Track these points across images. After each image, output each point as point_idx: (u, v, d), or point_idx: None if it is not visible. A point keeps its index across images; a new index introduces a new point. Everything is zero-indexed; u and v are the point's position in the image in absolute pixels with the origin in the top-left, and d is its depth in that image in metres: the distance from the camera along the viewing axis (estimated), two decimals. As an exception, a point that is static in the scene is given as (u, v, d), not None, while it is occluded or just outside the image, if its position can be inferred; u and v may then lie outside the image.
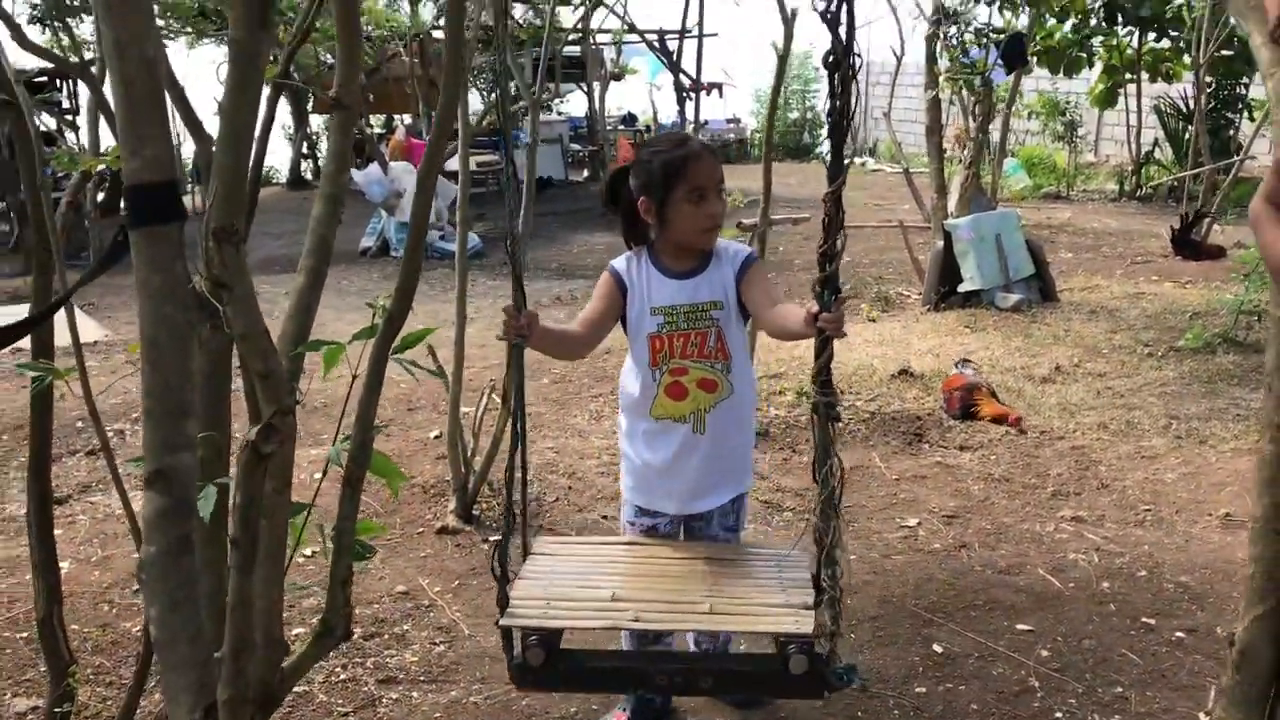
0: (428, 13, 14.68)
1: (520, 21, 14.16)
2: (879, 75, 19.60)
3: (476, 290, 9.29)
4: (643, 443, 2.84)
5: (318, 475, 2.64)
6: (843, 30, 2.04)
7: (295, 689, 3.25)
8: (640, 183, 2.72)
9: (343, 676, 3.36)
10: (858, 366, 6.72)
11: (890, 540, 4.24)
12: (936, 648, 3.40)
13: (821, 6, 2.09)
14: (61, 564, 3.95)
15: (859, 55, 2.10)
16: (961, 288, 8.39)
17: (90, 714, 3.13)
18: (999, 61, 8.66)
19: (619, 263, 2.82)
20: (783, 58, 5.50)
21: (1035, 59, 13.19)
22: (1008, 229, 8.52)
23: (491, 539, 4.36)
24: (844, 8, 2.04)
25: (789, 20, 5.24)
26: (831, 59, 2.08)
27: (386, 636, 3.60)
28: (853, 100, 2.10)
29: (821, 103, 25.72)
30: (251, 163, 3.00)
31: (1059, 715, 3.04)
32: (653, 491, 2.87)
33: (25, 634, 3.59)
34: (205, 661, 1.38)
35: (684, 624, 2.51)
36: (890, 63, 10.20)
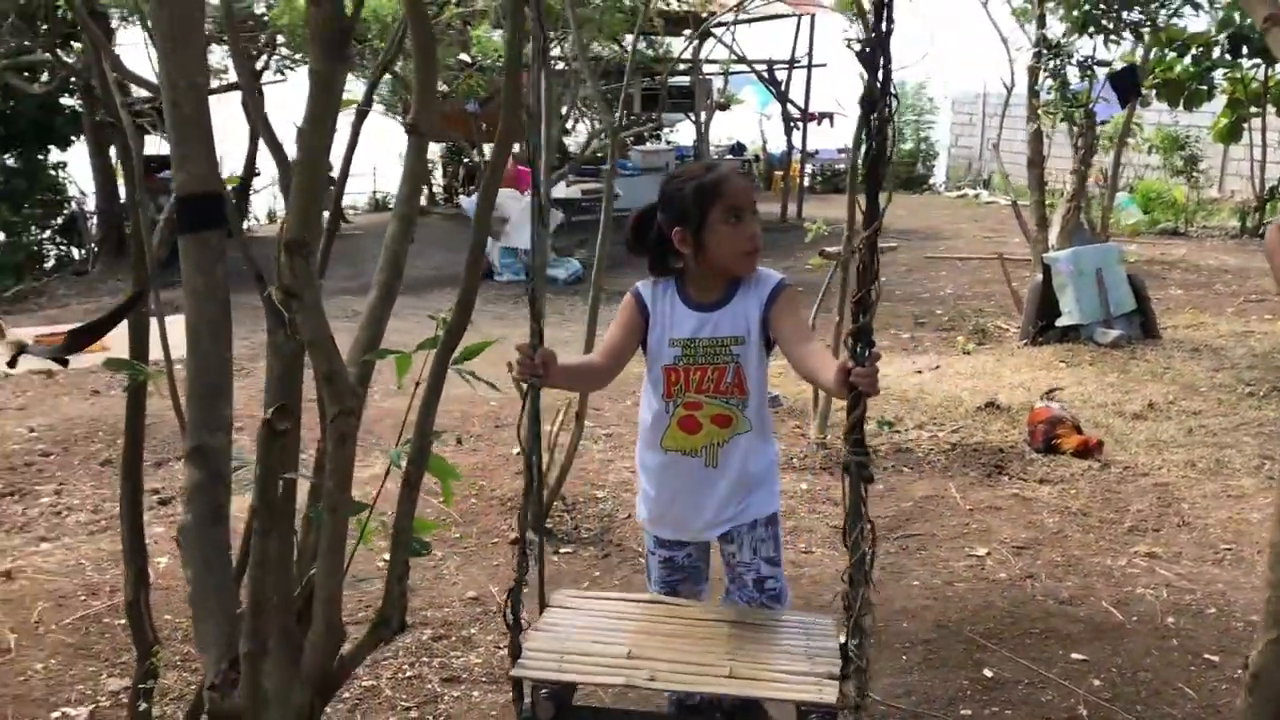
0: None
1: (627, 50, 14.40)
2: (996, 106, 19.39)
3: (576, 314, 9.49)
4: (655, 472, 2.80)
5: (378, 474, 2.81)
6: (880, 72, 2.00)
7: (363, 683, 3.44)
8: (673, 213, 2.66)
9: (409, 674, 3.53)
10: (945, 398, 6.71)
11: (955, 568, 4.26)
12: (987, 672, 3.42)
13: (858, 48, 2.16)
14: (160, 559, 4.25)
15: (895, 95, 2.05)
16: (1060, 322, 8.29)
17: (173, 695, 3.34)
18: (1103, 95, 8.54)
19: (643, 286, 2.76)
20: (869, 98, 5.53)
21: (1154, 91, 12.93)
22: (1109, 263, 8.40)
23: (562, 550, 4.51)
24: (880, 50, 2.08)
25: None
26: (867, 99, 2.08)
27: (454, 639, 3.76)
28: (890, 140, 2.04)
29: (936, 134, 25.62)
30: (337, 183, 3.23)
31: (1104, 744, 3.05)
32: (665, 523, 2.83)
33: (123, 621, 3.84)
34: (233, 618, 1.54)
35: (703, 686, 2.39)
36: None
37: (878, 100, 2.04)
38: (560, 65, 10.02)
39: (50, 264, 15.65)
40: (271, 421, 1.46)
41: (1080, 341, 8.16)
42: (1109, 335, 8.10)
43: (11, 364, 2.86)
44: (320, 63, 2.40)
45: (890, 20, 1.97)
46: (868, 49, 2.07)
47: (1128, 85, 9.22)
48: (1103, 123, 10.58)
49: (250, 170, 3.41)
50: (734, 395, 2.67)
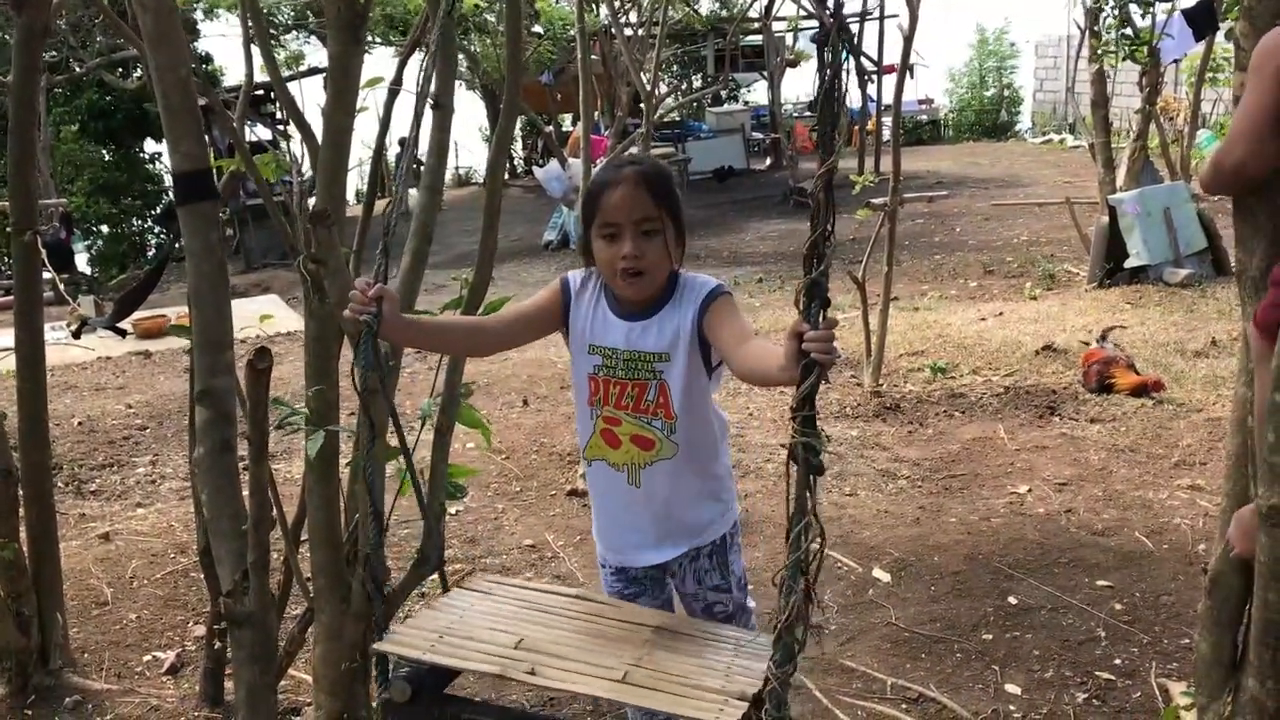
0: (604, 11, 15.19)
1: (698, 11, 14.47)
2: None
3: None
4: (590, 482, 2.59)
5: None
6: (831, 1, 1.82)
7: (424, 623, 3.70)
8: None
9: (466, 615, 3.78)
10: (1003, 342, 6.76)
11: (994, 505, 4.37)
12: (1011, 600, 3.55)
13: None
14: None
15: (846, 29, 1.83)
16: (1128, 263, 8.23)
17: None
18: (1167, 33, 8.40)
19: (575, 276, 2.45)
20: (908, 38, 5.62)
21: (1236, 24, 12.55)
22: (1177, 202, 8.30)
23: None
24: None
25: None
26: (821, 35, 2.00)
27: (509, 583, 4.01)
28: (844, 78, 1.78)
29: (1019, 79, 25.14)
30: (373, 160, 3.46)
31: (1118, 662, 3.16)
32: (612, 539, 2.54)
33: (208, 574, 4.18)
34: (241, 535, 1.77)
35: (584, 687, 2.06)
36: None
37: (831, 36, 1.80)
38: (631, 31, 10.18)
39: (151, 252, 16.33)
40: (253, 362, 1.68)
41: (1149, 282, 8.10)
42: (1178, 274, 8.02)
43: (76, 335, 3.16)
44: (337, 46, 2.64)
45: None
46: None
47: (1203, 19, 9.03)
48: (1175, 61, 10.38)
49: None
50: (657, 416, 2.33)
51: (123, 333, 2.98)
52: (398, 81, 3.28)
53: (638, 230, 2.25)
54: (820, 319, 1.72)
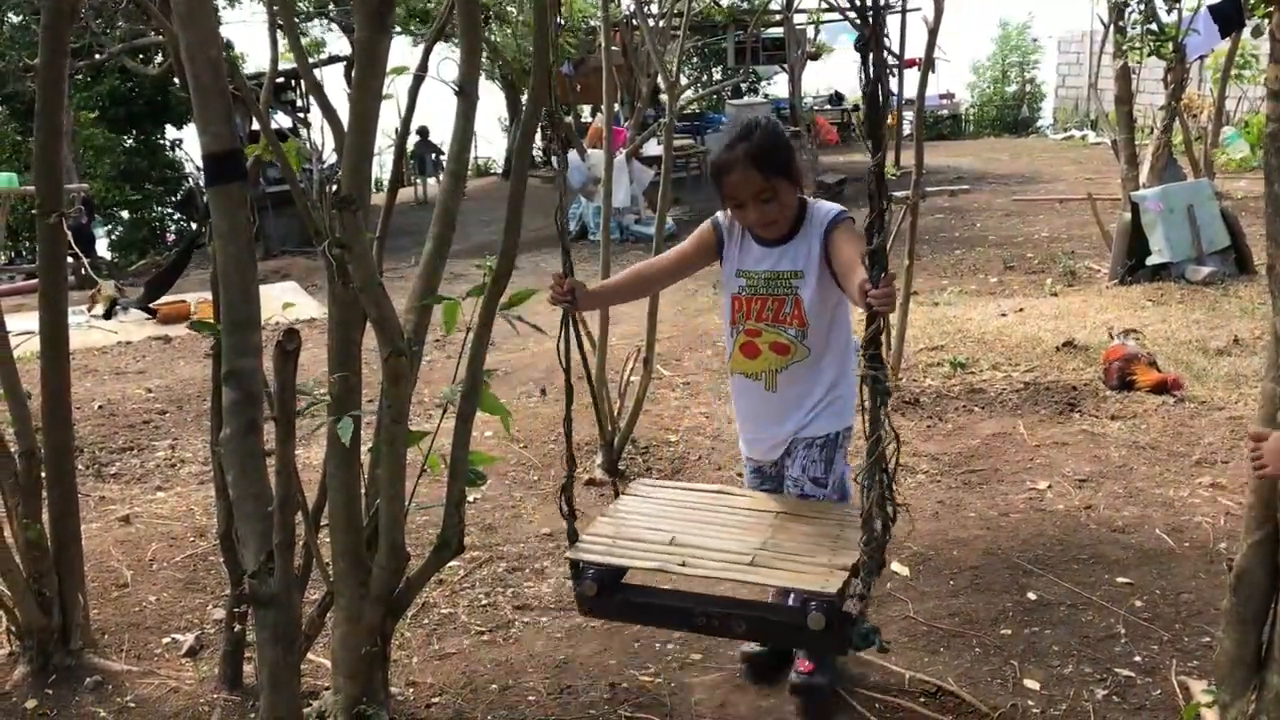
0: (626, 2, 15.17)
1: (719, 3, 14.43)
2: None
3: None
4: (732, 393, 3.09)
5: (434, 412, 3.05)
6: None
7: (441, 611, 3.72)
8: None
9: (484, 603, 3.79)
10: (1024, 338, 6.73)
11: (1014, 500, 4.35)
12: (1030, 595, 3.54)
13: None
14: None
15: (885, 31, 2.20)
16: (1150, 260, 8.18)
17: (269, 621, 3.66)
18: (1194, 29, 8.32)
19: (723, 217, 2.96)
20: (933, 31, 5.59)
21: (1266, 20, 12.45)
22: (1200, 199, 8.24)
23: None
24: None
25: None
26: (861, 40, 2.23)
27: (527, 571, 4.02)
28: (885, 75, 2.21)
29: (1042, 75, 25.00)
30: (397, 146, 3.45)
31: (1138, 659, 3.15)
32: (745, 440, 3.09)
33: (228, 558, 4.19)
34: (267, 517, 1.78)
35: (725, 573, 2.58)
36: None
37: (869, 37, 2.18)
38: (654, 22, 10.14)
39: (171, 238, 16.40)
40: (282, 343, 1.68)
41: (1171, 280, 8.05)
42: (1200, 272, 7.97)
43: (107, 315, 3.17)
44: (364, 32, 2.63)
45: None
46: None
47: (1230, 15, 8.94)
48: (1200, 57, 10.29)
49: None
50: (792, 325, 2.85)
51: (153, 312, 3.00)
52: (423, 69, 3.28)
53: (758, 200, 2.76)
54: (881, 278, 2.21)
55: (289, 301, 5.80)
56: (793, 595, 2.65)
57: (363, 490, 2.87)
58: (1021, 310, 7.61)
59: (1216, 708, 2.34)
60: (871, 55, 2.18)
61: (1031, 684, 3.05)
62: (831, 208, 2.86)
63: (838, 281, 2.78)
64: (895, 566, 3.80)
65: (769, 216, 2.80)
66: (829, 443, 2.93)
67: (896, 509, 2.38)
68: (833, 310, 2.88)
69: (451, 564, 4.01)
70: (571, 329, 2.83)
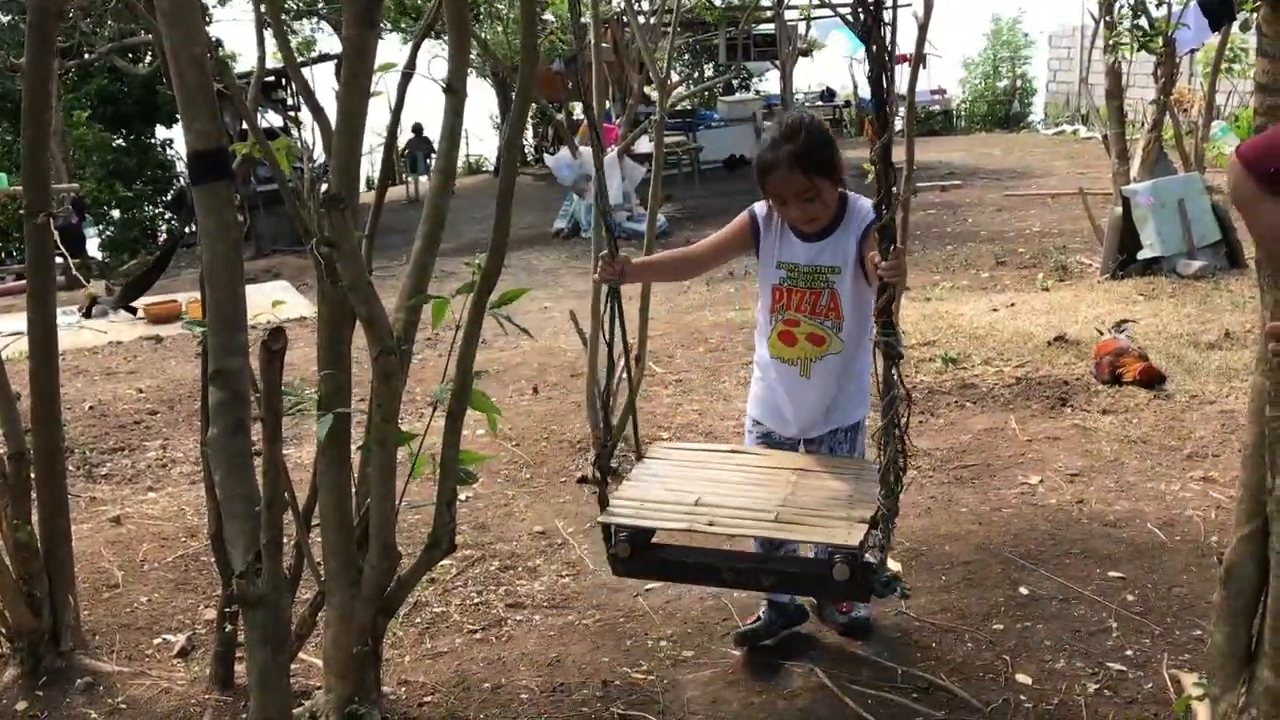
0: None
1: (713, 2, 14.41)
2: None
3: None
4: (764, 368, 3.16)
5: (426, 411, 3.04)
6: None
7: (433, 609, 3.71)
8: None
9: (476, 601, 3.79)
10: (1015, 333, 6.73)
11: (1005, 495, 4.36)
12: (1023, 590, 3.54)
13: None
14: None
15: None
16: (1141, 255, 8.19)
17: (261, 621, 3.65)
18: (1184, 23, 8.33)
19: (760, 208, 3.06)
20: (923, 27, 5.59)
21: (1254, 13, 12.45)
22: (1192, 193, 8.25)
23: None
24: None
25: None
26: (863, 29, 2.31)
27: (519, 569, 4.01)
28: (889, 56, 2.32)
29: (1033, 70, 25.02)
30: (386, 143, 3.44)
31: (1129, 653, 3.15)
32: (769, 413, 3.17)
33: (219, 558, 4.18)
34: (255, 517, 1.77)
35: (751, 530, 2.76)
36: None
37: (872, 26, 2.26)
38: (643, 19, 10.13)
39: (162, 238, 16.35)
40: (268, 343, 1.68)
41: (1162, 274, 8.06)
42: (1192, 266, 7.98)
43: (87, 314, 3.16)
44: (352, 29, 2.62)
45: None
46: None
47: (1219, 9, 8.95)
48: (1191, 51, 10.31)
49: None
50: (829, 317, 2.97)
51: (134, 311, 2.98)
52: (411, 66, 3.26)
53: (800, 199, 2.86)
54: (890, 252, 2.32)
55: (278, 300, 5.78)
56: (816, 548, 2.85)
57: (354, 489, 2.87)
58: (1013, 305, 7.62)
59: (1207, 701, 2.34)
60: (874, 37, 2.24)
61: (1023, 679, 3.05)
62: (868, 207, 2.89)
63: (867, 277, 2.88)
64: (888, 562, 3.79)
65: (811, 214, 2.89)
66: (855, 428, 3.12)
67: (908, 461, 2.51)
68: (866, 305, 2.93)
69: (443, 563, 4.00)
70: (616, 306, 2.85)
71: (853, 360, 3.02)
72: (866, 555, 2.55)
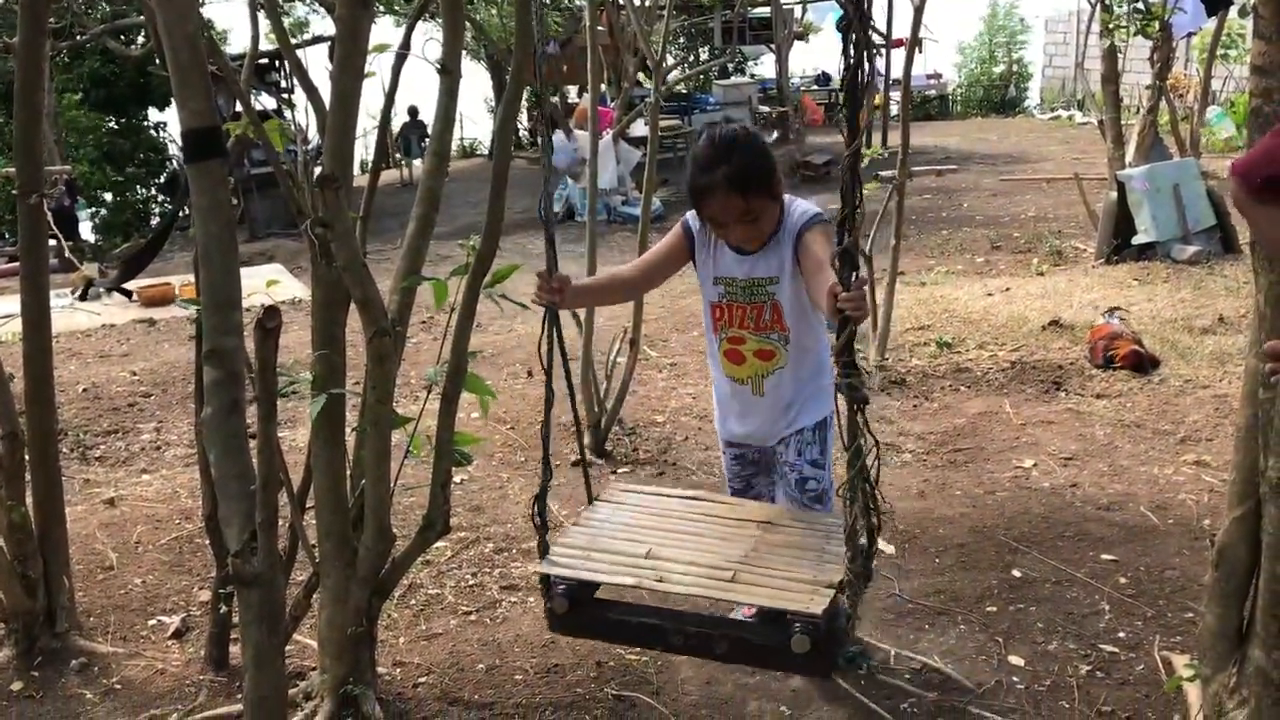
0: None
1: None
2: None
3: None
4: (717, 389, 3.05)
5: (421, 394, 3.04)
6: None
7: (429, 591, 3.72)
8: None
9: (471, 583, 3.79)
10: (1010, 318, 6.74)
11: (999, 479, 4.37)
12: (1016, 573, 3.56)
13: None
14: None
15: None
16: (1136, 240, 8.19)
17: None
18: (1180, 8, 8.32)
19: (693, 218, 2.86)
20: (919, 10, 5.58)
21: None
22: (1186, 178, 8.25)
23: (620, 470, 4.73)
24: None
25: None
26: (845, 23, 2.18)
27: (514, 551, 4.02)
28: (868, 59, 2.05)
29: (1029, 55, 24.96)
30: (380, 124, 3.42)
31: (1121, 635, 3.17)
32: (734, 430, 3.03)
33: (213, 540, 4.18)
34: (250, 496, 1.77)
35: (704, 590, 2.47)
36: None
37: (854, 24, 2.08)
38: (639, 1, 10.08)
39: (155, 220, 16.29)
40: (262, 321, 1.67)
41: (1157, 259, 8.06)
42: (1186, 251, 7.99)
43: (83, 296, 3.15)
44: (345, 9, 2.61)
45: None
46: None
47: (1217, -7, 8.93)
48: (1187, 36, 10.29)
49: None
50: (774, 330, 2.81)
51: (128, 293, 2.96)
52: (405, 47, 3.25)
53: (739, 221, 2.68)
54: (852, 281, 2.07)
55: (273, 279, 5.77)
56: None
57: (348, 471, 2.87)
58: (1008, 290, 7.62)
59: (1198, 682, 2.36)
60: (854, 35, 2.02)
61: (1016, 660, 3.07)
62: (807, 209, 2.76)
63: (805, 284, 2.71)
64: (881, 544, 3.79)
65: (752, 235, 2.73)
66: (821, 425, 2.91)
67: (881, 519, 2.25)
68: (810, 310, 2.80)
69: (438, 544, 4.01)
70: (555, 329, 2.68)
71: (804, 367, 2.87)
72: (831, 624, 2.31)
